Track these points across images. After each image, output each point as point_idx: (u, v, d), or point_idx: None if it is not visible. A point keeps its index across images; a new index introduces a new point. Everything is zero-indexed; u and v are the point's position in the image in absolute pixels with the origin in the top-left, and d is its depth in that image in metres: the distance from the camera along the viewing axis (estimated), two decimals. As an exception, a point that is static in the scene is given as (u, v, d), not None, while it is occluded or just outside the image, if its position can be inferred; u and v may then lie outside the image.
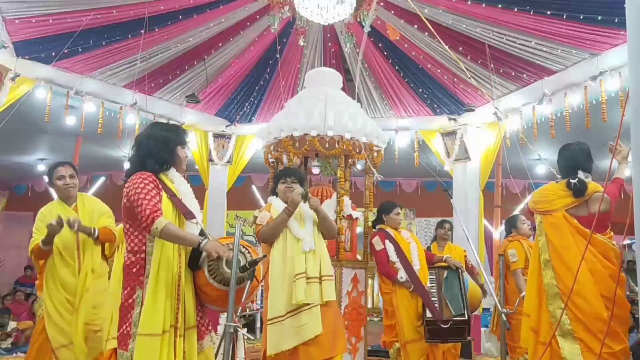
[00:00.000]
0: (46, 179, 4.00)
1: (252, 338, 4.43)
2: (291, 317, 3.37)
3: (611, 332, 3.00)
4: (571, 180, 3.38)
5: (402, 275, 4.41)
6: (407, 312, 4.41)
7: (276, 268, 3.49)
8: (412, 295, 4.43)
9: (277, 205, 3.66)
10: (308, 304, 3.36)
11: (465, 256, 5.19)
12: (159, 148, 2.67)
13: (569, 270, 3.20)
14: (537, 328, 3.36)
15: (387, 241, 4.57)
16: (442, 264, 4.69)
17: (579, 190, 3.35)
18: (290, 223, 3.54)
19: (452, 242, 5.56)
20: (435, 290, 4.44)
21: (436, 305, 4.34)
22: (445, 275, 4.57)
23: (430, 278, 4.52)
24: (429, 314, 4.28)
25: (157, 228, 2.43)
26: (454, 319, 4.27)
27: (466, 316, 4.31)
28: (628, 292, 4.60)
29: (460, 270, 4.59)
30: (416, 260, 4.53)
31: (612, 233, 3.35)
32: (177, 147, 2.74)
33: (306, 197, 3.52)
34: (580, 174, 3.42)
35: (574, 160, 3.47)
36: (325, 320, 3.38)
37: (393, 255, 4.49)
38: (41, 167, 10.91)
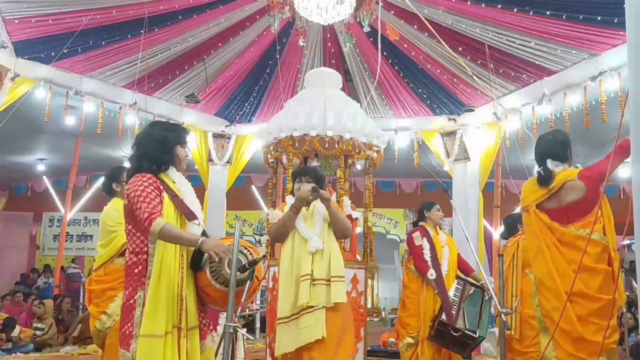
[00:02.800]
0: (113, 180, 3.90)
1: (252, 338, 4.43)
2: (295, 319, 3.33)
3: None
4: (537, 169, 3.24)
5: (432, 273, 4.47)
6: (427, 311, 4.48)
7: (285, 269, 3.46)
8: (434, 296, 4.50)
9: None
10: (312, 307, 3.31)
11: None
12: (157, 148, 2.64)
13: (540, 267, 3.16)
14: None
15: (424, 239, 4.61)
16: (473, 281, 4.69)
17: (542, 180, 3.19)
18: (299, 223, 3.49)
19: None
20: (457, 299, 4.47)
21: (453, 312, 4.36)
22: (471, 291, 4.59)
23: (456, 287, 4.54)
24: (444, 316, 4.32)
25: (154, 230, 2.41)
26: (465, 331, 4.29)
27: (477, 335, 4.33)
28: (627, 293, 4.60)
29: (486, 293, 4.60)
30: (445, 264, 4.58)
31: (591, 219, 3.01)
32: (176, 147, 2.71)
33: (316, 192, 3.40)
34: (549, 163, 3.22)
35: (543, 149, 3.30)
36: (331, 324, 3.30)
37: (427, 254, 4.55)
38: (41, 167, 10.93)
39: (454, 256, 4.73)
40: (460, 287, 4.56)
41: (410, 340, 4.51)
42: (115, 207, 3.80)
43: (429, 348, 4.42)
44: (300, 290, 3.32)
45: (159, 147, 2.65)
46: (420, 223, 4.82)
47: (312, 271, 3.37)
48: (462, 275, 4.71)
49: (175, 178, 2.71)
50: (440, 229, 4.85)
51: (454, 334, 4.27)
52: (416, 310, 4.52)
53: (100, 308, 3.67)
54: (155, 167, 2.64)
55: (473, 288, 4.61)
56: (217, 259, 2.43)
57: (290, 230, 3.50)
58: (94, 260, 3.96)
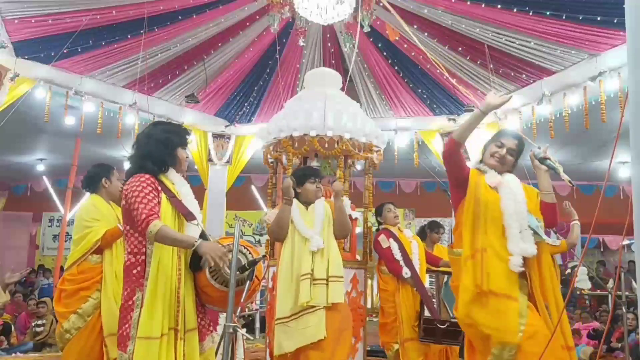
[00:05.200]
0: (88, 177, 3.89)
1: (252, 338, 4.44)
2: (296, 318, 3.34)
3: None
4: None
5: (406, 271, 4.45)
6: (407, 311, 4.44)
7: (284, 268, 3.47)
8: (413, 294, 4.45)
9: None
10: (313, 306, 3.32)
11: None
12: (159, 149, 2.64)
13: None
14: None
15: (391, 239, 4.59)
16: (445, 269, 4.70)
17: None
18: (298, 223, 3.51)
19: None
20: (434, 292, 4.47)
21: (435, 306, 4.36)
22: (445, 279, 4.60)
23: (429, 280, 4.55)
24: (427, 313, 4.30)
25: (151, 231, 2.40)
26: (451, 320, 4.28)
27: None
28: (627, 293, 4.59)
29: None
30: (416, 259, 4.56)
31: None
32: (177, 149, 2.71)
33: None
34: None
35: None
36: (330, 323, 3.32)
37: (397, 253, 4.53)
38: (40, 167, 10.93)
39: (422, 249, 4.73)
40: (434, 279, 4.58)
41: (397, 346, 4.46)
42: (92, 203, 3.78)
43: (412, 350, 4.38)
44: (301, 290, 3.32)
45: (162, 148, 2.65)
46: (382, 226, 4.84)
47: (312, 270, 3.38)
48: (432, 268, 4.71)
49: (175, 179, 2.71)
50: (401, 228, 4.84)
51: (442, 327, 4.26)
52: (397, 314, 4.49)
53: (70, 308, 3.59)
54: (157, 168, 2.63)
55: (445, 276, 4.62)
56: (212, 264, 2.42)
57: (288, 225, 3.51)
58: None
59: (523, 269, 2.62)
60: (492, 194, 2.76)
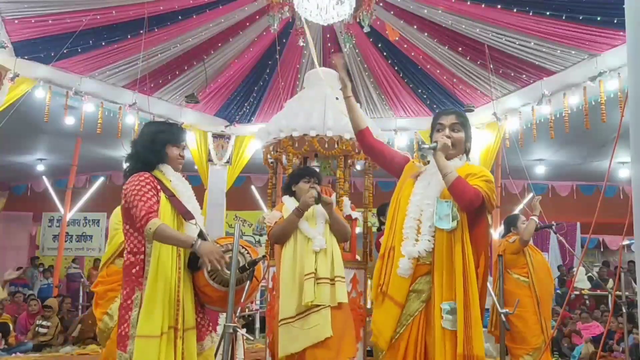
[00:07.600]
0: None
1: (252, 338, 4.44)
2: (301, 318, 3.34)
3: None
4: None
5: None
6: None
7: (287, 268, 3.47)
8: None
9: (289, 205, 3.66)
10: (317, 305, 3.33)
11: None
12: (146, 147, 2.66)
13: None
14: None
15: None
16: None
17: None
18: (301, 222, 3.52)
19: None
20: None
21: None
22: None
23: None
24: None
25: (150, 229, 2.41)
26: None
27: None
28: (627, 293, 4.59)
29: None
30: None
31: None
32: (166, 146, 2.69)
33: (319, 198, 3.47)
34: None
35: None
36: (334, 322, 3.34)
37: None
38: (40, 167, 10.93)
39: None
40: None
41: None
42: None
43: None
44: (305, 289, 3.33)
45: (148, 145, 2.67)
46: (383, 226, 4.83)
47: (315, 270, 3.39)
48: None
49: (172, 177, 2.71)
50: None
51: None
52: None
53: (103, 309, 3.77)
54: (147, 166, 2.64)
55: None
56: (209, 267, 2.43)
57: (292, 233, 3.53)
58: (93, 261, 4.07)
59: (408, 273, 2.42)
60: (409, 189, 2.57)
